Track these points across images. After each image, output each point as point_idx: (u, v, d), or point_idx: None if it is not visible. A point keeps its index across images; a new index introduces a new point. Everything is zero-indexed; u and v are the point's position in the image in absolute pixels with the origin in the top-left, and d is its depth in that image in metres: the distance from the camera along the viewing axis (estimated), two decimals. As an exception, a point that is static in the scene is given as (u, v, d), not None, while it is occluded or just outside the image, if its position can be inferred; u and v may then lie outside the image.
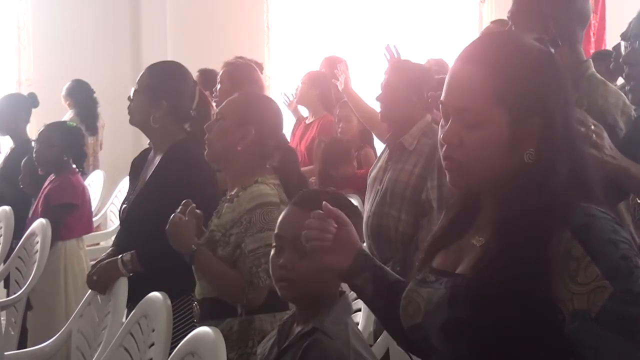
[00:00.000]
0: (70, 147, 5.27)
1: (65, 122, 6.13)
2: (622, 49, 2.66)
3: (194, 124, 3.79)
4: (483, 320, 1.64)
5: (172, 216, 3.08)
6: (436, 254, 1.87)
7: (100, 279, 3.67)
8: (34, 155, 5.28)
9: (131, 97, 3.71)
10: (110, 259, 3.65)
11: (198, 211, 3.11)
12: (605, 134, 2.44)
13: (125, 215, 3.73)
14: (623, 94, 3.08)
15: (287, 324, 2.36)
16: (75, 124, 5.91)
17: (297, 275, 2.23)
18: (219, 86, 5.15)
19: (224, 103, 3.28)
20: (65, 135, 5.30)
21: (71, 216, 5.16)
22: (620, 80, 4.64)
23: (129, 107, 3.73)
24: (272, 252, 2.30)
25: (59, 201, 5.12)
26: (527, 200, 1.69)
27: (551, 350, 1.63)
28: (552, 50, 1.76)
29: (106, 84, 8.10)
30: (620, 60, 2.66)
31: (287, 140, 3.30)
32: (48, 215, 5.03)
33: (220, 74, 5.33)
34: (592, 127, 2.38)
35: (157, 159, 3.68)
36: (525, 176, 1.70)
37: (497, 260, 1.67)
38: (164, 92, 3.63)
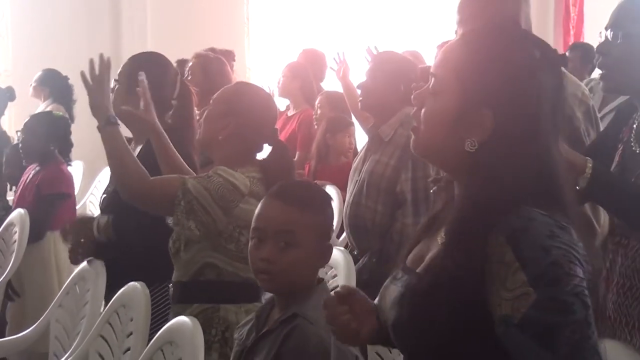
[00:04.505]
0: (56, 137, 5.26)
1: (51, 112, 6.12)
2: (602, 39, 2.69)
3: (175, 114, 3.78)
4: (422, 321, 1.65)
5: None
6: (413, 249, 1.87)
7: (73, 233, 3.71)
8: (20, 145, 5.27)
9: (112, 89, 3.70)
10: (87, 216, 3.67)
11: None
12: None
13: (105, 205, 3.73)
14: (583, 85, 3.12)
15: (265, 310, 2.38)
16: (61, 114, 5.91)
17: (279, 267, 2.24)
18: (189, 77, 5.18)
19: (219, 91, 3.29)
20: (51, 126, 5.29)
21: (61, 206, 5.13)
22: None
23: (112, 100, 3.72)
24: (251, 244, 2.31)
25: (51, 191, 5.09)
26: (470, 197, 1.68)
27: (486, 356, 1.62)
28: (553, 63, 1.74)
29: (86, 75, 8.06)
30: (595, 49, 2.68)
31: (275, 135, 3.25)
32: (40, 204, 5.03)
33: (191, 65, 5.37)
34: None
35: (137, 150, 3.66)
36: (471, 169, 1.69)
37: (440, 260, 1.67)
38: None
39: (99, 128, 3.08)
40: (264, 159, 3.20)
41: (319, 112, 6.15)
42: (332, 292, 1.94)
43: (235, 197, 3.02)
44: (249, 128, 3.15)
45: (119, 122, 3.11)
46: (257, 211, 2.33)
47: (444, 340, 1.62)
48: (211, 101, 3.25)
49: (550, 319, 1.53)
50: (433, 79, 1.76)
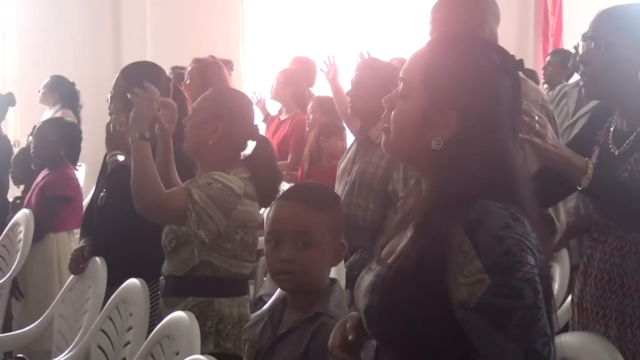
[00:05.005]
0: (67, 142, 5.23)
1: (62, 118, 6.11)
2: (580, 49, 2.71)
3: None
4: (390, 307, 1.69)
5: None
6: (388, 243, 1.90)
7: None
8: (32, 150, 5.23)
9: (109, 102, 3.68)
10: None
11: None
12: (549, 125, 2.49)
13: (104, 204, 3.72)
14: (542, 91, 3.15)
15: (277, 309, 2.36)
16: (71, 120, 5.90)
17: (298, 267, 2.23)
18: (188, 81, 5.15)
19: (198, 99, 3.29)
20: (63, 132, 5.26)
21: (65, 209, 5.11)
22: (575, 77, 4.71)
23: (110, 122, 3.70)
24: (268, 247, 2.29)
25: (54, 193, 5.06)
26: (435, 191, 1.73)
27: (449, 338, 1.65)
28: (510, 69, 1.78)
29: (88, 80, 8.07)
30: (577, 59, 2.69)
31: (258, 131, 3.31)
32: (43, 206, 5.01)
33: (190, 69, 5.34)
34: (537, 117, 2.42)
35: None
36: (436, 165, 1.74)
37: (407, 250, 1.71)
38: None
39: (132, 139, 3.07)
40: (250, 156, 3.23)
41: (311, 116, 6.14)
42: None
43: (234, 200, 3.05)
44: (237, 128, 3.18)
45: (148, 138, 3.10)
46: (271, 214, 2.32)
47: (410, 325, 1.66)
48: (191, 110, 3.25)
49: (502, 303, 1.57)
50: (402, 83, 1.80)
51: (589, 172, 2.44)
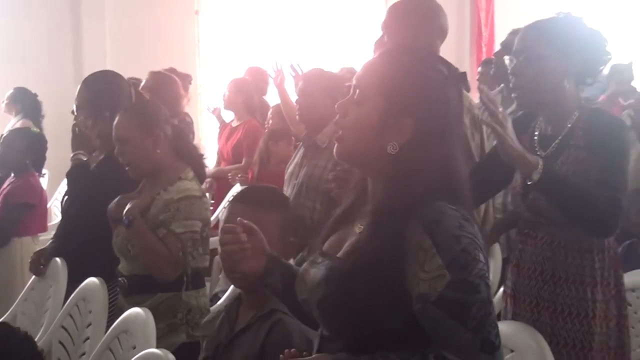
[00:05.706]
0: (33, 152, 5.18)
1: (29, 128, 6.08)
2: (507, 62, 2.73)
3: None
4: (347, 298, 1.70)
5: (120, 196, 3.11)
6: (329, 238, 1.92)
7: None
8: None
9: (75, 113, 3.64)
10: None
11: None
12: (510, 120, 2.49)
13: (67, 208, 3.69)
14: (469, 96, 3.25)
15: (233, 306, 2.36)
16: (38, 130, 5.86)
17: None
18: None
19: (119, 124, 3.18)
20: (29, 141, 5.22)
21: (28, 215, 5.07)
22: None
23: (76, 125, 3.67)
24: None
25: (18, 200, 5.02)
26: (391, 192, 1.74)
27: (406, 329, 1.67)
28: (453, 79, 1.81)
29: (50, 90, 7.99)
30: (508, 72, 2.72)
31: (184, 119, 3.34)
32: (6, 212, 4.97)
33: (144, 81, 5.32)
34: (500, 109, 2.44)
35: (100, 157, 3.61)
36: (391, 168, 1.75)
37: (362, 246, 1.73)
38: (104, 103, 3.55)
39: (126, 224, 3.03)
40: (172, 136, 3.21)
41: (270, 121, 6.14)
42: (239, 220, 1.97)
43: (201, 204, 3.08)
44: (169, 124, 3.19)
45: None
46: (224, 216, 2.37)
47: (365, 317, 1.67)
48: (119, 138, 3.16)
49: (461, 297, 1.60)
50: (357, 91, 1.80)
51: (539, 167, 2.46)
